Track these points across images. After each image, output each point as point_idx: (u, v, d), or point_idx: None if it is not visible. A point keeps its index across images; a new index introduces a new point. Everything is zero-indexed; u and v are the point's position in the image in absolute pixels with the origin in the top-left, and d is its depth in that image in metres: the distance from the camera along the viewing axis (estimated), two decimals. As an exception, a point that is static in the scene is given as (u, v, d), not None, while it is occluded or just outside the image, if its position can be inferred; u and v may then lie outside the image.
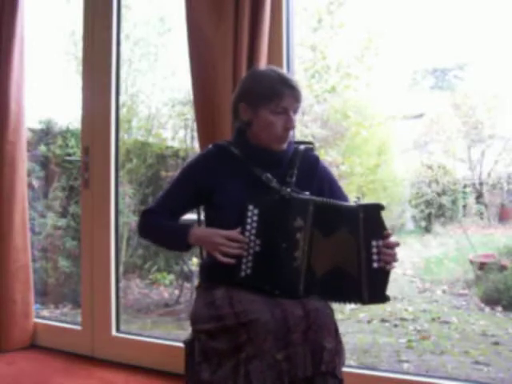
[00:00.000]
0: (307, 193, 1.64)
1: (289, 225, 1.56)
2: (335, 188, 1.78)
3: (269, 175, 1.66)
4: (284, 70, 1.75)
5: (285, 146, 1.70)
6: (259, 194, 1.61)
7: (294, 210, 1.57)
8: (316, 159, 1.80)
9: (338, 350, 1.48)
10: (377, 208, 1.58)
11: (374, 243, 1.55)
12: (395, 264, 1.57)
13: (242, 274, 1.56)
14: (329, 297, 1.58)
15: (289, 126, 1.65)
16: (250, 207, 1.57)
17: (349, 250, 1.56)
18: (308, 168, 1.74)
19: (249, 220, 1.57)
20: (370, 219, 1.57)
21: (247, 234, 1.57)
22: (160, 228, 1.75)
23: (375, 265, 1.55)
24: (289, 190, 1.62)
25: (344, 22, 4.47)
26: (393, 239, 1.58)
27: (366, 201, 1.63)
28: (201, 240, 1.66)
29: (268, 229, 1.57)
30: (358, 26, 4.58)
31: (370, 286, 1.55)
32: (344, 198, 1.77)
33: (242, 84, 1.75)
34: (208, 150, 1.81)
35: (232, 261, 1.56)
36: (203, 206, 1.83)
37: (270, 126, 1.65)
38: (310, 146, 1.83)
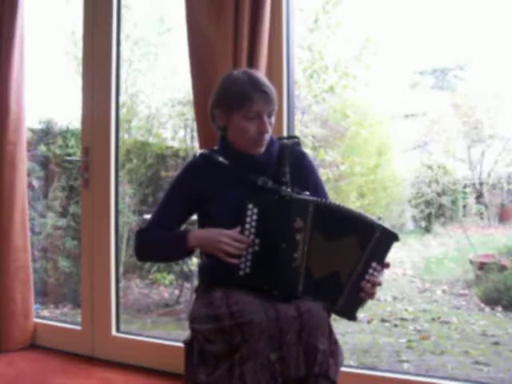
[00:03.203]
0: (307, 193, 1.64)
1: (288, 225, 1.55)
2: (318, 185, 1.78)
3: (265, 178, 1.65)
4: (258, 72, 1.71)
5: (262, 149, 1.68)
6: (259, 194, 1.61)
7: (294, 211, 1.56)
8: (302, 155, 1.78)
9: (332, 352, 1.47)
10: (393, 237, 1.57)
11: (373, 264, 1.55)
12: (370, 296, 1.55)
13: (241, 273, 1.56)
14: (322, 299, 1.56)
15: (262, 129, 1.63)
16: (250, 206, 1.56)
17: (350, 258, 1.56)
18: (295, 164, 1.73)
19: (248, 219, 1.56)
20: (383, 243, 1.56)
21: (246, 233, 1.56)
22: (157, 242, 1.72)
23: (363, 284, 1.55)
24: (289, 189, 1.62)
25: (341, 21, 4.45)
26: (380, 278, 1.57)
27: (384, 223, 1.62)
28: (204, 240, 1.64)
29: (267, 228, 1.56)
30: (356, 25, 4.57)
31: (347, 299, 1.55)
32: (324, 195, 1.76)
33: (216, 89, 1.72)
34: (193, 160, 1.77)
35: (236, 261, 1.55)
36: (197, 215, 1.80)
37: (244, 132, 1.63)
38: (296, 140, 1.80)
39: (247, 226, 1.56)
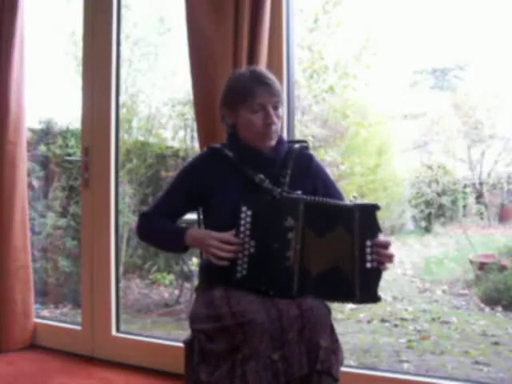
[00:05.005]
0: (299, 192, 1.64)
1: (280, 225, 1.56)
2: (330, 186, 1.78)
3: (262, 176, 1.66)
4: (262, 68, 1.74)
5: (272, 142, 1.69)
6: (252, 195, 1.62)
7: (285, 210, 1.57)
8: (310, 157, 1.79)
9: (333, 349, 1.48)
10: (373, 208, 1.57)
11: (368, 243, 1.55)
12: (389, 265, 1.56)
13: (238, 275, 1.57)
14: (324, 296, 1.56)
15: (268, 121, 1.64)
16: (244, 209, 1.57)
17: (345, 248, 1.56)
18: (302, 167, 1.74)
19: (242, 221, 1.57)
20: (366, 219, 1.56)
21: (242, 235, 1.57)
22: (158, 230, 1.77)
23: (368, 265, 1.55)
24: (279, 190, 1.63)
25: (341, 21, 4.45)
26: (385, 239, 1.57)
27: (363, 200, 1.64)
28: (197, 242, 1.67)
29: (261, 230, 1.57)
30: (356, 25, 4.57)
31: (363, 286, 1.55)
32: (339, 195, 1.76)
33: (223, 89, 1.76)
34: (203, 152, 1.83)
35: (226, 263, 1.57)
36: (202, 208, 1.83)
37: (251, 125, 1.66)
38: (305, 144, 1.82)
39: (242, 228, 1.57)
